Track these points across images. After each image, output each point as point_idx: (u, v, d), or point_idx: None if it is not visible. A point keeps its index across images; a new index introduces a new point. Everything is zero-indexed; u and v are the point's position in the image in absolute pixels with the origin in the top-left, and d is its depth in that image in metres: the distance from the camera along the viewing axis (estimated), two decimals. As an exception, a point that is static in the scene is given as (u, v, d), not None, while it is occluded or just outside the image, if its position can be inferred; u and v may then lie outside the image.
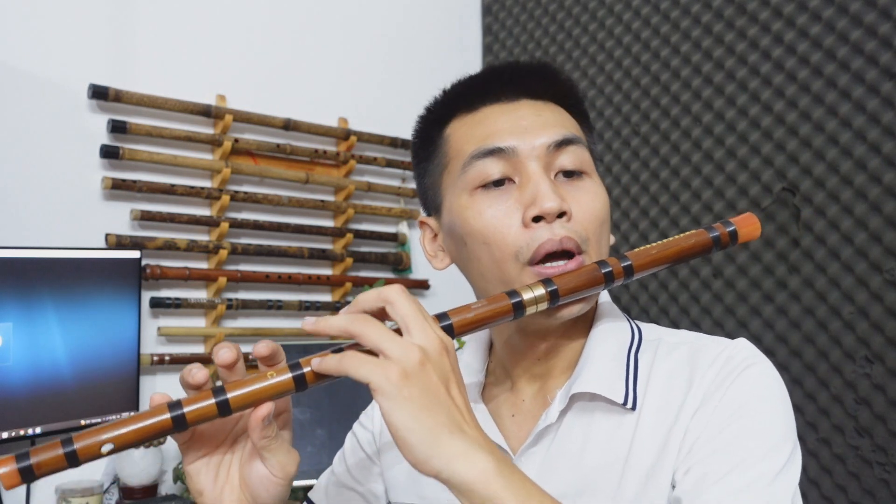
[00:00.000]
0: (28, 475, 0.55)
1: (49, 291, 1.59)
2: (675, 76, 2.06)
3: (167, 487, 1.83)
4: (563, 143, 0.73)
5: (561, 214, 0.71)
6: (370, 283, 2.20)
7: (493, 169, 0.73)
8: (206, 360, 1.95)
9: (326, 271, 2.24)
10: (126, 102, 1.87)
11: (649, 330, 0.80)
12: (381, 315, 0.62)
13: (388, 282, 2.26)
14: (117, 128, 1.84)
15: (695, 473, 0.65)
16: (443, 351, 0.59)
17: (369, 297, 0.62)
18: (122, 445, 0.58)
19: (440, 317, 0.65)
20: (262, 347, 0.62)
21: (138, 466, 1.70)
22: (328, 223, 2.26)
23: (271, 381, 0.60)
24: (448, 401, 0.58)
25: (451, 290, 2.51)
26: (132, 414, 0.59)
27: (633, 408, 0.71)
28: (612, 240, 0.80)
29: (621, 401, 0.71)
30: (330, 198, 2.27)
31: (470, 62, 2.65)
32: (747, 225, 0.74)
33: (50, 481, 1.68)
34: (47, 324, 1.59)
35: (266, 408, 0.60)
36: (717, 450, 0.65)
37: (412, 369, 0.57)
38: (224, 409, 0.59)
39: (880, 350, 1.64)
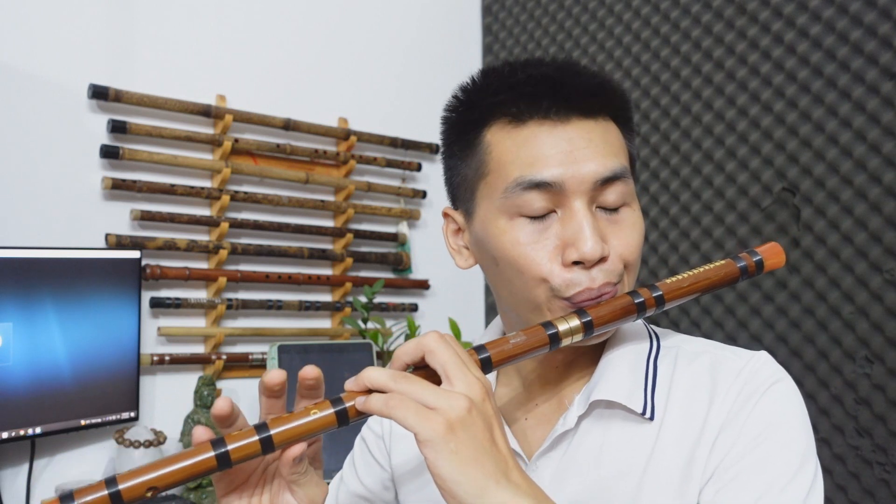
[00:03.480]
0: None
1: (49, 291, 1.59)
2: (675, 76, 2.06)
3: (167, 487, 1.82)
4: (610, 180, 0.71)
5: (600, 259, 0.70)
6: (370, 283, 2.20)
7: (538, 203, 0.70)
8: (205, 360, 1.95)
9: (326, 271, 2.24)
10: (126, 102, 1.87)
11: (667, 336, 0.80)
12: (421, 364, 0.62)
13: (387, 282, 2.26)
14: (117, 128, 1.84)
15: (723, 497, 0.65)
16: (485, 396, 0.59)
17: (409, 349, 0.62)
18: (165, 487, 0.57)
19: (478, 349, 0.65)
20: (310, 372, 0.62)
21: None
22: (328, 223, 2.26)
23: (314, 418, 0.59)
24: (493, 449, 0.58)
25: (452, 290, 2.51)
26: (175, 453, 0.58)
27: (652, 417, 0.71)
28: None
29: (640, 410, 0.71)
30: (330, 198, 2.27)
31: (470, 62, 2.65)
32: (773, 255, 0.77)
33: (50, 481, 1.68)
34: (47, 324, 1.59)
35: (299, 448, 0.61)
36: (745, 472, 0.66)
37: (458, 420, 0.57)
38: (267, 446, 0.59)
39: (880, 350, 1.64)
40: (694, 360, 0.74)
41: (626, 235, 0.72)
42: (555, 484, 0.72)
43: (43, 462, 1.70)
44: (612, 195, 0.72)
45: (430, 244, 2.47)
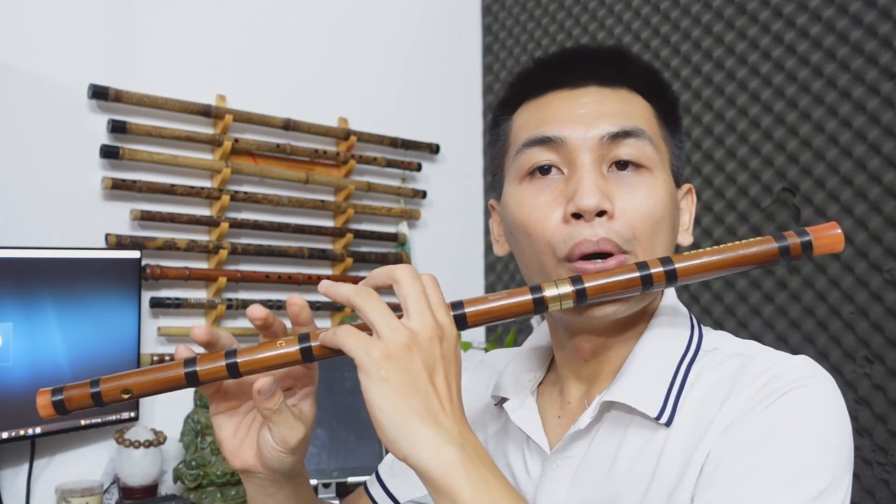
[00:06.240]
0: (60, 408, 0.62)
1: (49, 291, 1.59)
2: (675, 76, 2.06)
3: (167, 487, 1.83)
4: (619, 136, 0.69)
5: (602, 213, 0.67)
6: (370, 283, 2.20)
7: (540, 157, 0.70)
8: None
9: (326, 271, 2.24)
10: (126, 102, 1.87)
11: (712, 339, 0.75)
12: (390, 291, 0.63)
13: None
14: (117, 128, 1.84)
15: (709, 497, 0.61)
16: (434, 337, 0.59)
17: (381, 273, 0.63)
18: (140, 393, 0.63)
19: (455, 305, 0.64)
20: (254, 312, 0.65)
21: (138, 466, 1.70)
22: (328, 223, 2.26)
23: (279, 351, 0.63)
24: (428, 388, 0.58)
25: (452, 290, 2.50)
26: (152, 366, 0.65)
27: (669, 423, 0.67)
28: (690, 241, 0.76)
29: (654, 415, 0.68)
30: (330, 198, 2.27)
31: (470, 62, 2.65)
32: (826, 237, 0.64)
33: (50, 481, 1.68)
34: (47, 324, 1.59)
35: (263, 381, 0.62)
36: (737, 475, 0.60)
37: (395, 351, 0.57)
38: (233, 371, 0.63)
39: (880, 350, 1.64)
40: (724, 362, 0.69)
41: (637, 198, 0.68)
42: (573, 483, 0.71)
43: (43, 462, 1.70)
44: (624, 151, 0.69)
45: (430, 244, 2.47)
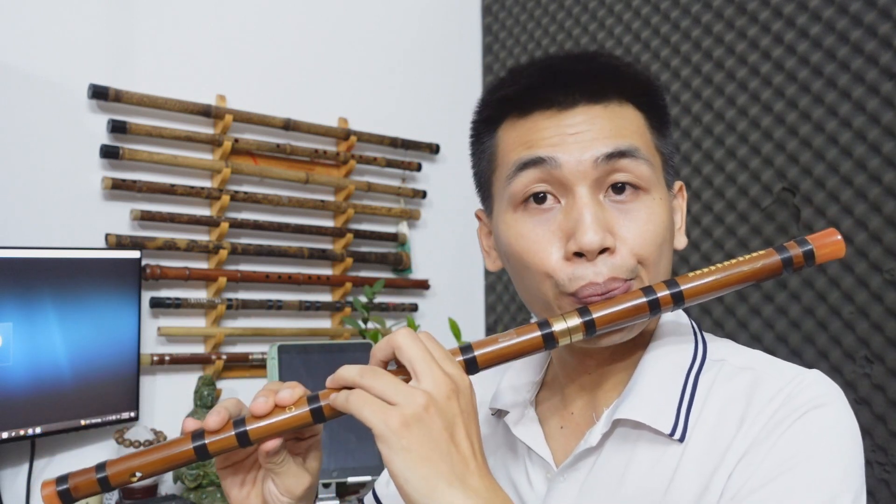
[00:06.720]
0: (66, 497, 0.60)
1: (49, 291, 1.59)
2: (675, 76, 2.06)
3: (167, 487, 1.83)
4: (614, 156, 0.67)
5: (604, 250, 0.66)
6: (370, 283, 2.20)
7: (535, 183, 0.68)
8: (205, 360, 1.95)
9: (326, 271, 2.24)
10: (126, 102, 1.87)
11: (717, 348, 0.74)
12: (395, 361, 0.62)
13: (387, 282, 2.26)
14: (117, 128, 1.84)
15: None
16: (451, 394, 0.58)
17: (381, 346, 0.62)
18: (149, 473, 0.62)
19: (464, 349, 0.63)
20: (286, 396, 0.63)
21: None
22: (328, 223, 2.26)
23: (289, 415, 0.62)
24: (451, 449, 0.57)
25: (452, 290, 2.51)
26: (159, 442, 0.63)
27: (682, 439, 0.66)
28: (685, 242, 0.75)
29: (668, 431, 0.67)
30: (330, 198, 2.27)
31: (470, 62, 2.65)
32: (827, 244, 0.64)
33: (50, 481, 1.68)
34: (47, 324, 1.59)
35: (272, 443, 0.62)
36: (763, 502, 0.60)
37: (413, 417, 0.56)
38: (244, 441, 0.62)
39: (880, 350, 1.64)
40: (734, 376, 0.69)
41: (637, 227, 0.67)
42: (581, 499, 0.70)
43: (43, 462, 1.70)
44: (620, 174, 0.67)
45: (430, 244, 2.47)
